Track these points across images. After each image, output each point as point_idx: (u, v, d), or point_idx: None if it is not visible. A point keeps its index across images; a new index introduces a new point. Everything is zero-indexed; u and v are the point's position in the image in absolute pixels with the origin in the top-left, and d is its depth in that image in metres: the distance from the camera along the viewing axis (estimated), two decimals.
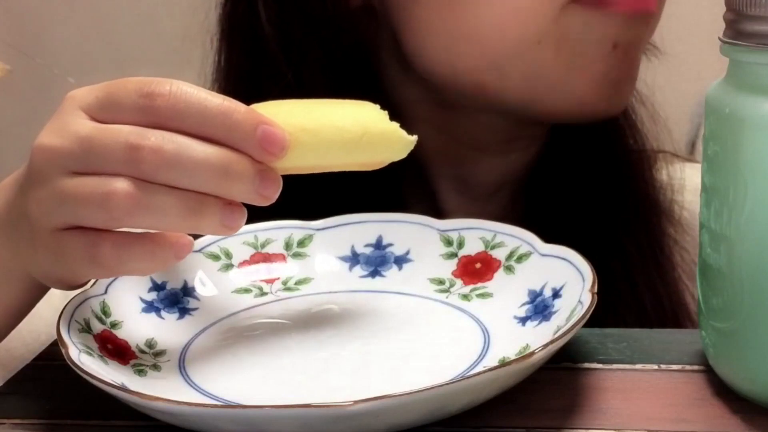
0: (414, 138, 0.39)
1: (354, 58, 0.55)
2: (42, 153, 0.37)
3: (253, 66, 0.56)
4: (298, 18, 0.54)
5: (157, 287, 0.45)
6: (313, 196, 0.54)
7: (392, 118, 0.39)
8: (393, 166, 0.51)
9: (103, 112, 0.37)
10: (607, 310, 0.37)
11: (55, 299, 0.46)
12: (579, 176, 0.58)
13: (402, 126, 0.39)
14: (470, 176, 0.59)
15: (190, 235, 0.38)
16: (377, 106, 0.39)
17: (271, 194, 0.37)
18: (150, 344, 0.42)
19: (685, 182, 0.61)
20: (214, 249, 0.48)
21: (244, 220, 0.38)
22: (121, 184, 0.35)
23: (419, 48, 0.53)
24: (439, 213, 0.57)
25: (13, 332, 0.45)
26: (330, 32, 0.54)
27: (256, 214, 0.49)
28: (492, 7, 0.50)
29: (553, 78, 0.51)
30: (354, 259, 0.48)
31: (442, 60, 0.53)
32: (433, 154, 0.58)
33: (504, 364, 0.35)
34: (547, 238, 0.45)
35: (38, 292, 0.42)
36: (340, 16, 0.54)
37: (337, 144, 0.38)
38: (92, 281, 0.43)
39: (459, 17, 0.51)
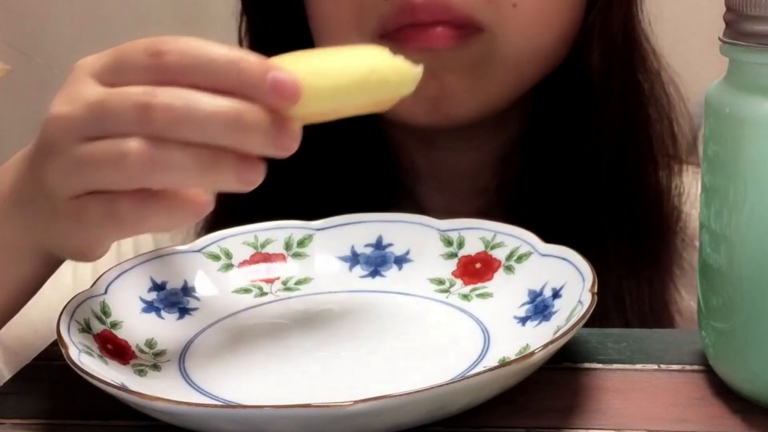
0: (420, 69, 0.39)
1: None
2: (54, 122, 0.38)
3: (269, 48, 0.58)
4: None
5: (157, 287, 0.45)
6: (311, 196, 0.54)
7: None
8: (378, 167, 0.51)
9: (113, 76, 0.37)
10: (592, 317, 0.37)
11: (65, 288, 0.47)
12: (564, 180, 0.57)
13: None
14: (445, 175, 0.60)
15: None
16: (381, 47, 0.39)
17: (288, 144, 0.36)
18: (150, 344, 0.42)
19: (683, 185, 0.61)
20: (214, 249, 0.48)
21: (263, 176, 0.36)
22: (134, 143, 0.35)
23: None
24: (422, 212, 0.58)
25: (24, 319, 0.46)
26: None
27: (257, 214, 0.50)
28: (316, 32, 0.54)
29: None
30: (354, 259, 0.48)
31: None
32: (411, 155, 0.59)
33: (504, 364, 0.35)
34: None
35: (50, 267, 0.43)
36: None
37: (348, 84, 0.37)
38: (98, 277, 0.43)
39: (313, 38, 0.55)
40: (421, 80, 0.48)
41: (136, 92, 0.36)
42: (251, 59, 0.35)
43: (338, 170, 0.58)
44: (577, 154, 0.56)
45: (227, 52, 0.36)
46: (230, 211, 0.57)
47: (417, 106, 0.52)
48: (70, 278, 0.51)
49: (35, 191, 0.39)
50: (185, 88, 0.35)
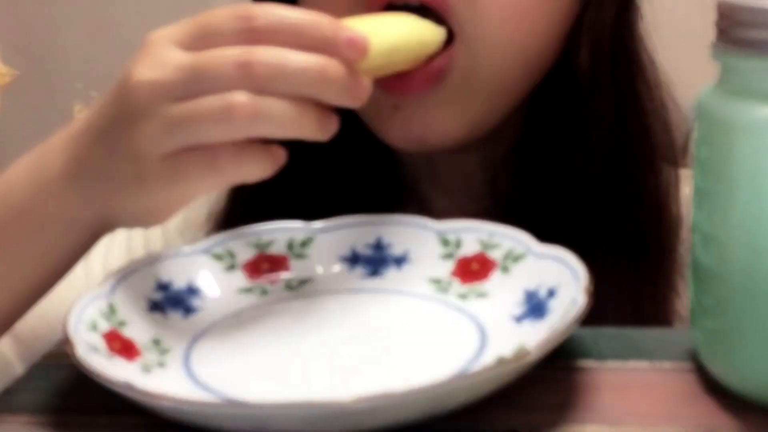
0: (444, 30, 0.45)
1: None
2: (143, 87, 0.40)
3: None
4: None
5: (162, 287, 0.46)
6: (314, 198, 0.55)
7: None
8: (383, 166, 0.52)
9: (198, 42, 0.40)
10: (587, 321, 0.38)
11: (77, 281, 0.48)
12: (566, 187, 0.56)
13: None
14: (441, 176, 0.60)
15: None
16: (409, 14, 0.46)
17: (362, 94, 0.40)
18: (155, 342, 0.43)
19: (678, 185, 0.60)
20: (219, 250, 0.48)
21: (337, 126, 0.41)
22: (240, 96, 0.38)
23: None
24: (429, 213, 0.58)
25: (36, 311, 0.47)
26: None
27: (259, 215, 0.50)
28: None
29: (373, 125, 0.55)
30: (354, 259, 0.49)
31: None
32: (412, 155, 0.59)
33: (500, 362, 0.35)
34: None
35: (96, 239, 0.45)
36: None
37: (398, 42, 0.44)
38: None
39: None
40: (404, 119, 0.50)
41: (234, 52, 0.39)
42: (325, 19, 0.39)
43: (342, 172, 0.59)
44: (572, 158, 0.56)
45: (305, 14, 0.40)
46: (235, 213, 0.58)
47: (401, 137, 0.53)
48: (82, 273, 0.52)
49: (110, 158, 0.41)
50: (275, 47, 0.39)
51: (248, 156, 0.40)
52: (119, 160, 0.41)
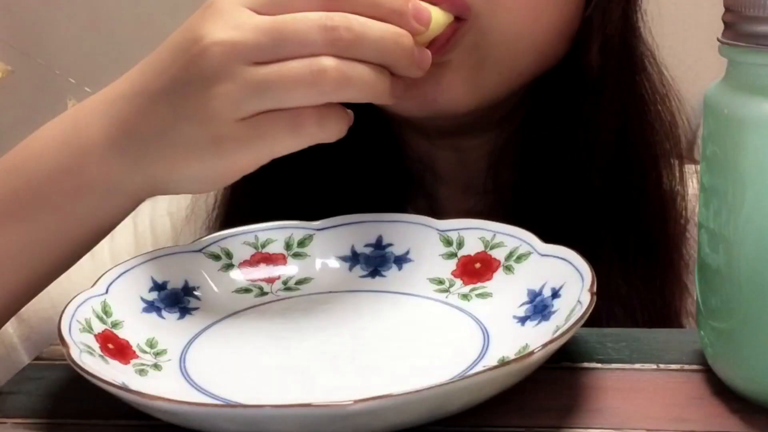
0: (450, 14, 0.47)
1: None
2: (222, 47, 0.40)
3: None
4: None
5: (158, 287, 0.45)
6: (313, 196, 0.54)
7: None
8: (389, 162, 0.51)
9: (274, 6, 0.40)
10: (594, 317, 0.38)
11: (84, 267, 0.47)
12: (569, 179, 0.57)
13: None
14: (440, 170, 0.60)
15: None
16: None
17: (426, 63, 0.43)
18: (151, 344, 0.42)
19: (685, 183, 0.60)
20: (215, 249, 0.48)
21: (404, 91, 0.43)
22: (329, 62, 0.39)
23: None
24: (432, 206, 0.58)
25: (43, 294, 0.47)
26: None
27: (258, 215, 0.50)
28: None
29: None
30: (354, 259, 0.48)
31: None
32: (414, 149, 0.59)
33: (503, 363, 0.35)
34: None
35: (136, 205, 0.45)
36: None
37: (437, 21, 0.45)
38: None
39: None
40: (416, 81, 0.49)
41: (319, 16, 0.40)
42: None
43: (348, 167, 0.58)
44: (576, 153, 0.56)
45: None
46: (237, 207, 0.57)
47: (410, 102, 0.52)
48: (89, 258, 0.52)
49: (175, 121, 0.41)
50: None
51: (331, 117, 0.40)
52: (188, 122, 0.41)
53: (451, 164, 0.59)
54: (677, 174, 0.59)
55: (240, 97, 0.39)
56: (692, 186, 0.59)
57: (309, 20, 0.39)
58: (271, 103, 0.40)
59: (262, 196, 0.56)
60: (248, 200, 0.57)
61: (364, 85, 0.40)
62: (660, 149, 0.58)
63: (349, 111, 0.42)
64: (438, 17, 0.45)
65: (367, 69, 0.40)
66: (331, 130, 0.41)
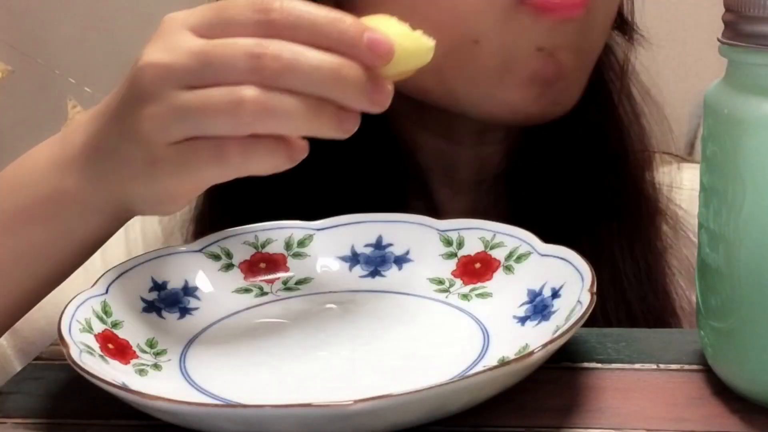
0: (432, 42, 0.42)
1: None
2: (154, 70, 0.39)
3: None
4: None
5: (157, 287, 0.45)
6: (313, 196, 0.54)
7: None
8: (388, 162, 0.51)
9: (213, 29, 0.39)
10: (594, 313, 0.38)
11: (77, 277, 0.47)
12: (566, 173, 0.58)
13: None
14: (452, 169, 0.60)
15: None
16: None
17: (382, 100, 0.39)
18: (151, 344, 0.42)
19: (682, 182, 0.61)
20: (215, 249, 0.48)
21: (357, 126, 0.39)
22: (250, 91, 0.38)
23: None
24: (432, 208, 0.58)
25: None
26: None
27: (257, 214, 0.50)
28: (430, 8, 0.51)
29: (488, 81, 0.53)
30: (354, 259, 0.48)
31: None
32: (418, 148, 0.59)
33: (503, 363, 0.35)
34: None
35: (117, 223, 0.45)
36: None
37: (421, 48, 0.41)
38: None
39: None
40: (538, 64, 0.49)
41: (247, 42, 0.38)
42: (349, 20, 0.38)
43: (348, 168, 0.59)
44: (565, 150, 0.57)
45: (327, 12, 0.38)
46: (233, 209, 0.57)
47: (530, 89, 0.52)
48: (81, 268, 0.52)
49: (121, 141, 0.41)
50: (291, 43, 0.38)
51: (257, 150, 0.39)
52: (129, 143, 0.40)
53: (467, 164, 0.59)
54: (669, 171, 0.61)
55: (167, 120, 0.39)
56: (690, 183, 0.60)
57: (238, 46, 0.38)
58: (194, 129, 0.39)
59: (260, 197, 0.56)
60: (244, 202, 0.56)
61: (292, 117, 0.38)
62: (658, 148, 0.59)
63: (303, 143, 0.40)
64: (415, 48, 0.41)
65: (295, 101, 0.38)
66: (259, 164, 0.39)
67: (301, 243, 0.49)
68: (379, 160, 0.58)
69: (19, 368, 0.55)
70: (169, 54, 0.39)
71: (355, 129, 0.39)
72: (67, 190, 0.43)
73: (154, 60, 0.39)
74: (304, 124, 0.38)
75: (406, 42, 0.40)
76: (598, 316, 0.39)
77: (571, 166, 0.58)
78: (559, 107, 0.54)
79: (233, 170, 0.40)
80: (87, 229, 0.44)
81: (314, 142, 0.41)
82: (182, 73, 0.39)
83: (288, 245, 0.49)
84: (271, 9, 0.38)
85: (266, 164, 0.39)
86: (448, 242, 0.47)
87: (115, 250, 0.60)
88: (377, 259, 0.48)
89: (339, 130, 0.39)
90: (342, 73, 0.38)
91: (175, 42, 0.39)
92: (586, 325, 0.38)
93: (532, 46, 0.51)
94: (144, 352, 0.42)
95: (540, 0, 0.50)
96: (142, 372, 0.40)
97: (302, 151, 0.40)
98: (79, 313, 0.41)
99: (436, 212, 0.50)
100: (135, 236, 0.62)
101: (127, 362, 0.40)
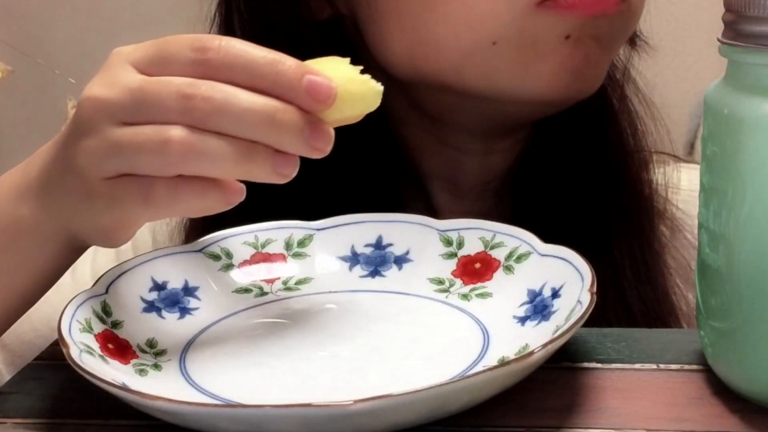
0: (381, 87, 0.40)
1: None
2: (92, 104, 0.39)
3: None
4: (268, 29, 0.55)
5: (157, 287, 0.45)
6: (313, 196, 0.54)
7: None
8: (389, 167, 0.51)
9: (153, 66, 0.39)
10: (594, 313, 0.38)
11: (65, 288, 0.47)
12: (568, 176, 0.59)
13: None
14: (457, 176, 0.60)
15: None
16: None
17: (321, 145, 0.38)
18: (151, 344, 0.42)
19: (680, 183, 0.62)
20: (215, 249, 0.48)
21: (296, 170, 0.39)
22: (176, 131, 0.37)
23: (385, 55, 0.55)
24: (432, 211, 0.58)
25: (24, 319, 0.46)
26: (301, 43, 0.55)
27: (257, 214, 0.50)
28: (447, 11, 0.51)
29: (511, 75, 0.52)
30: (354, 259, 0.48)
31: (405, 64, 0.54)
32: (423, 154, 0.59)
33: (503, 363, 0.35)
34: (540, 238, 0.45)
35: (74, 253, 0.44)
36: (310, 28, 0.55)
37: (368, 92, 0.40)
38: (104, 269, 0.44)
39: (417, 25, 0.52)
40: (567, 51, 0.49)
41: (179, 82, 0.38)
42: (289, 62, 0.38)
43: (347, 169, 0.59)
44: (567, 153, 0.57)
45: (267, 53, 0.38)
46: (233, 211, 0.57)
47: (559, 78, 0.52)
48: (70, 278, 0.52)
49: (65, 172, 0.41)
50: (224, 83, 0.37)
51: (184, 191, 0.38)
52: (71, 175, 0.40)
53: (473, 172, 0.60)
54: (668, 171, 0.61)
55: (101, 155, 0.39)
56: (688, 184, 0.60)
57: (171, 86, 0.37)
58: (125, 166, 0.38)
59: (260, 197, 0.56)
60: (244, 202, 0.56)
61: (219, 159, 0.37)
62: (654, 148, 0.59)
63: (238, 185, 0.39)
64: (362, 92, 0.39)
65: (224, 143, 0.37)
66: (187, 206, 0.39)
67: (301, 243, 0.49)
68: (382, 164, 0.59)
69: None
70: (107, 89, 0.39)
71: (294, 173, 0.38)
72: (23, 219, 0.43)
73: (93, 94, 0.39)
74: (234, 167, 0.38)
75: (352, 86, 0.39)
76: (597, 317, 0.39)
77: (571, 168, 0.58)
78: (582, 94, 0.54)
79: (160, 210, 0.39)
80: (43, 259, 0.44)
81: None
82: (118, 109, 0.38)
83: (288, 245, 0.49)
84: (208, 48, 0.38)
85: (195, 206, 0.39)
86: (448, 242, 0.47)
87: (105, 258, 0.60)
88: (377, 259, 0.48)
89: (273, 174, 0.38)
90: (276, 117, 0.37)
91: (115, 77, 0.39)
92: (586, 325, 0.38)
93: (560, 36, 0.51)
94: (144, 352, 0.42)
95: (555, 2, 0.50)
96: (142, 372, 0.40)
97: (237, 194, 0.39)
98: (79, 313, 0.41)
99: (438, 216, 0.50)
100: (125, 247, 0.62)
101: (127, 362, 0.40)
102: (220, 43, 0.38)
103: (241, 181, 0.40)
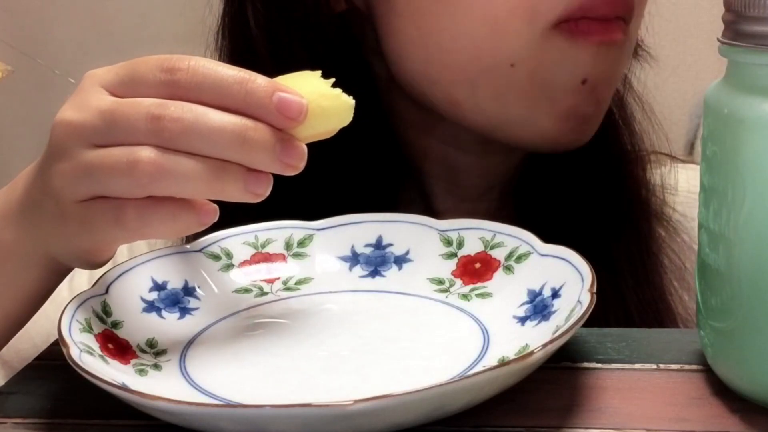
0: (352, 101, 0.40)
1: (341, 61, 0.55)
2: (63, 127, 0.39)
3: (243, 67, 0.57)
4: (283, 21, 0.55)
5: (157, 287, 0.45)
6: (314, 196, 0.54)
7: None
8: (390, 167, 0.51)
9: (124, 88, 0.39)
10: (593, 314, 0.38)
11: (61, 299, 0.47)
12: (569, 178, 0.59)
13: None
14: (458, 177, 0.60)
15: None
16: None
17: (294, 162, 0.38)
18: (151, 344, 0.42)
19: (678, 183, 0.62)
20: (215, 249, 0.48)
21: (269, 188, 0.38)
22: (146, 152, 0.37)
23: (398, 57, 0.55)
24: (432, 213, 0.58)
25: (22, 332, 0.46)
26: (315, 36, 0.55)
27: (257, 214, 0.50)
28: (471, 24, 0.51)
29: (522, 105, 0.52)
30: (354, 259, 0.48)
31: (419, 70, 0.54)
32: (423, 155, 0.59)
33: (503, 363, 0.35)
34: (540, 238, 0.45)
35: (58, 275, 0.44)
36: (325, 20, 0.55)
37: (340, 107, 0.39)
38: (103, 270, 0.44)
39: (438, 31, 0.52)
40: (579, 98, 0.50)
41: (149, 103, 0.38)
42: (259, 81, 0.37)
43: (348, 169, 0.59)
44: (568, 156, 0.57)
45: (236, 72, 0.38)
46: (232, 211, 0.57)
47: (562, 128, 0.52)
48: (67, 290, 0.52)
49: (42, 195, 0.41)
50: (194, 103, 0.37)
51: (155, 213, 0.38)
52: (47, 198, 0.40)
53: (473, 172, 0.60)
54: (665, 172, 0.61)
55: (73, 178, 0.39)
56: (686, 185, 0.61)
57: (141, 107, 0.37)
58: (96, 188, 0.38)
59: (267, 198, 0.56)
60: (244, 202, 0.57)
61: (190, 180, 0.37)
62: (651, 149, 0.60)
63: (211, 206, 0.39)
64: (334, 107, 0.39)
65: (194, 163, 0.37)
66: (159, 228, 0.38)
67: (301, 243, 0.49)
68: (382, 164, 0.59)
69: None
70: (79, 112, 0.39)
71: (267, 192, 0.38)
72: (6, 243, 0.43)
73: (65, 118, 0.39)
74: (205, 187, 0.37)
75: (324, 102, 0.39)
76: (596, 317, 0.39)
77: (571, 171, 0.58)
78: (584, 139, 0.54)
79: (132, 233, 0.39)
80: (28, 281, 0.43)
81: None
82: (89, 131, 0.38)
83: (288, 245, 0.49)
84: (177, 69, 0.38)
85: (167, 227, 0.39)
86: (448, 242, 0.47)
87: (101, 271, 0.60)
88: (377, 259, 0.48)
89: (246, 193, 0.38)
90: (247, 135, 0.37)
91: (87, 100, 0.39)
92: (586, 325, 0.38)
93: (577, 78, 0.51)
94: (144, 352, 0.42)
95: (574, 24, 0.50)
96: (142, 372, 0.40)
97: (210, 214, 0.39)
98: (79, 313, 0.41)
99: (439, 218, 0.50)
100: (121, 255, 0.62)
101: (127, 362, 0.40)
102: (189, 64, 0.38)
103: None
